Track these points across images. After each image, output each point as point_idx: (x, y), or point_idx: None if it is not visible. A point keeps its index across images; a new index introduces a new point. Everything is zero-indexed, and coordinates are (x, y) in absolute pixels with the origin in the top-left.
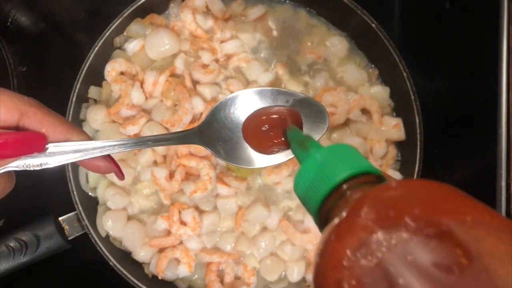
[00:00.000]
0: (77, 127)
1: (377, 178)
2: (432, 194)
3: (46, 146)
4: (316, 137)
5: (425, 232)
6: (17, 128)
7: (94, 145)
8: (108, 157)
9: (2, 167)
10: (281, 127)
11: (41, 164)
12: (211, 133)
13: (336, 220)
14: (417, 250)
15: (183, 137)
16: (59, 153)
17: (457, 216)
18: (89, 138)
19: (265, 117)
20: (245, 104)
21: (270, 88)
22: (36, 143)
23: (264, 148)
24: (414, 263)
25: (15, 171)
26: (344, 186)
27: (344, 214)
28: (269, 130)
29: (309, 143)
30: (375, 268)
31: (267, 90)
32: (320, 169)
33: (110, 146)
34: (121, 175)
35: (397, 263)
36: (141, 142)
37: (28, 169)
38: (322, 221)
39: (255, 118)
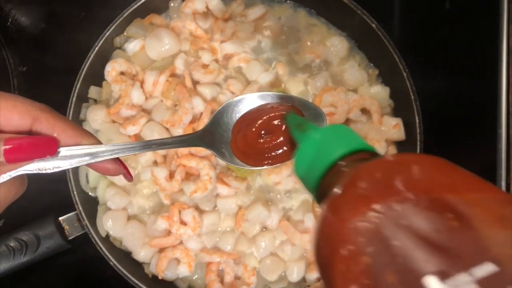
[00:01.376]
0: (87, 131)
1: (372, 155)
2: (424, 165)
3: (58, 149)
4: None
5: (419, 199)
6: (30, 133)
7: (104, 149)
8: (117, 160)
9: (16, 170)
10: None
11: (53, 167)
12: (215, 136)
13: (335, 192)
14: (411, 216)
15: (188, 140)
16: (71, 157)
17: (448, 185)
18: (99, 142)
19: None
20: (247, 107)
21: (271, 93)
22: (48, 146)
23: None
24: (409, 227)
25: (27, 175)
26: (341, 163)
27: (342, 186)
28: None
29: (307, 125)
30: (373, 234)
31: (268, 94)
32: (318, 148)
33: (119, 149)
34: (129, 177)
35: (393, 228)
36: (148, 145)
37: (41, 172)
38: (320, 198)
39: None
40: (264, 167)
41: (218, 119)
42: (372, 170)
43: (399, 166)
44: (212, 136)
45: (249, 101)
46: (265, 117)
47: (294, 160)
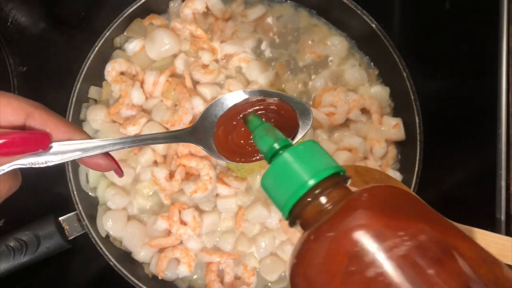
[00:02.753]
0: (79, 127)
1: (344, 178)
2: (401, 202)
3: (50, 144)
4: (302, 133)
5: (409, 236)
6: (23, 128)
7: (94, 144)
8: (108, 155)
9: (10, 164)
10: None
11: (45, 162)
12: (205, 132)
13: (323, 228)
14: (414, 252)
15: (178, 136)
16: (62, 151)
17: (440, 230)
18: (90, 138)
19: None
20: (233, 103)
21: (258, 89)
22: (41, 141)
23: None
24: (406, 258)
25: (21, 170)
26: (316, 190)
27: (328, 222)
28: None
29: (274, 134)
30: (368, 269)
31: (255, 91)
32: (289, 170)
33: (110, 144)
34: (120, 172)
35: (390, 260)
36: (138, 140)
37: (34, 166)
38: (292, 218)
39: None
40: (252, 162)
41: (207, 116)
42: (357, 206)
43: (384, 201)
44: (202, 132)
45: (238, 97)
46: (249, 110)
47: (263, 178)
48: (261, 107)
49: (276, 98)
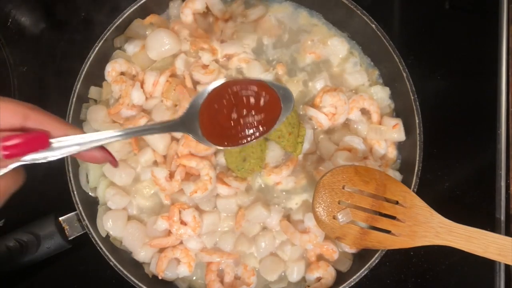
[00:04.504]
0: (73, 125)
1: None
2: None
3: (50, 142)
4: (285, 115)
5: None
6: (22, 130)
7: (90, 138)
8: (103, 148)
9: (14, 163)
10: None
11: (46, 157)
12: (192, 121)
13: None
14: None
15: (169, 127)
16: (61, 147)
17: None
18: (85, 133)
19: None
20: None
21: (243, 78)
22: (41, 141)
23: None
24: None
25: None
26: None
27: None
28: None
29: None
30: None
31: (238, 78)
32: None
33: (105, 138)
34: (115, 162)
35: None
36: (132, 132)
37: (35, 162)
38: None
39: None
40: (239, 146)
41: (194, 104)
42: None
43: None
44: (191, 121)
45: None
46: (229, 90)
47: None
48: (241, 87)
49: (258, 81)
